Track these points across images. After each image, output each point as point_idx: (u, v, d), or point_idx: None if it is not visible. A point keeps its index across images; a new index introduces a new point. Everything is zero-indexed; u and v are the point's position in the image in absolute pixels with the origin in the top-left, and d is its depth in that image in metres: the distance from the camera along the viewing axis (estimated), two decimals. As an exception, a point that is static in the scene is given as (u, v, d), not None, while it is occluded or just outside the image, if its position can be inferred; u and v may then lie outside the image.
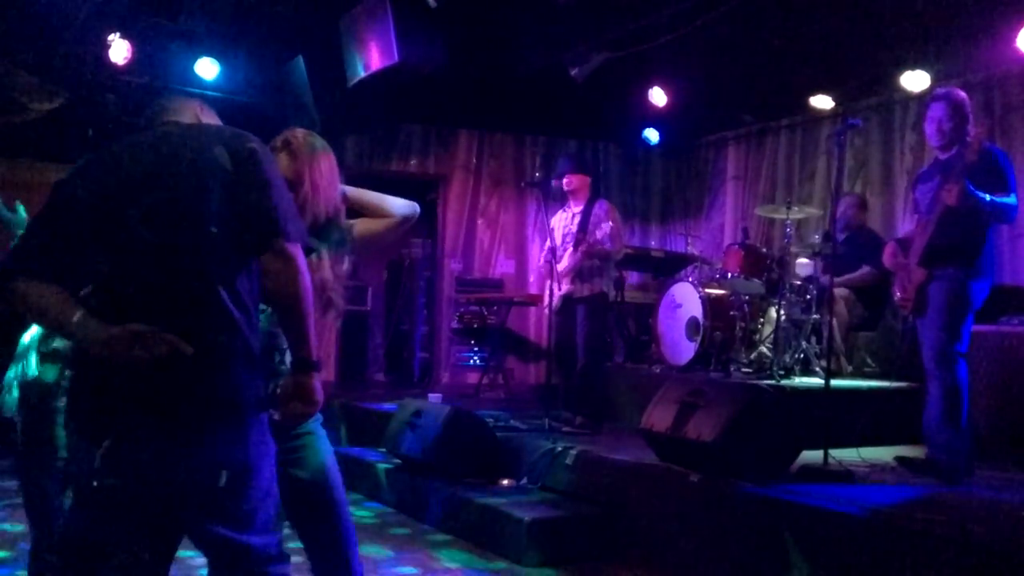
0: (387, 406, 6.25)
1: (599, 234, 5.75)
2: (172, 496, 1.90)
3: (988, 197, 4.00)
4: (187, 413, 1.88)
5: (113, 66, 6.18)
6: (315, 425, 2.46)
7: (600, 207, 5.91)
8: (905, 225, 6.56)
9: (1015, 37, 5.41)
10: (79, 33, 6.03)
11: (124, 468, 1.87)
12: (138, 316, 1.87)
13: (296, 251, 1.96)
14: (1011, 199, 4.07)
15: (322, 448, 2.46)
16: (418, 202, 2.73)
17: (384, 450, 5.73)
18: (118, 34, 6.12)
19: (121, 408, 1.88)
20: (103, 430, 1.89)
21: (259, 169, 1.97)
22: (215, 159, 1.94)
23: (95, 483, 1.88)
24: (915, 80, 6.22)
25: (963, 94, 4.27)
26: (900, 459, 4.40)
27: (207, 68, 6.64)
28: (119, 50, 6.13)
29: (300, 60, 6.62)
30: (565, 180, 5.96)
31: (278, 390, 2.09)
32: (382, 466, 5.56)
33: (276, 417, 2.07)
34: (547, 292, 5.83)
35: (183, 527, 2.00)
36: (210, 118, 2.19)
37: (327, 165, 2.44)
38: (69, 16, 5.92)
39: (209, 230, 1.90)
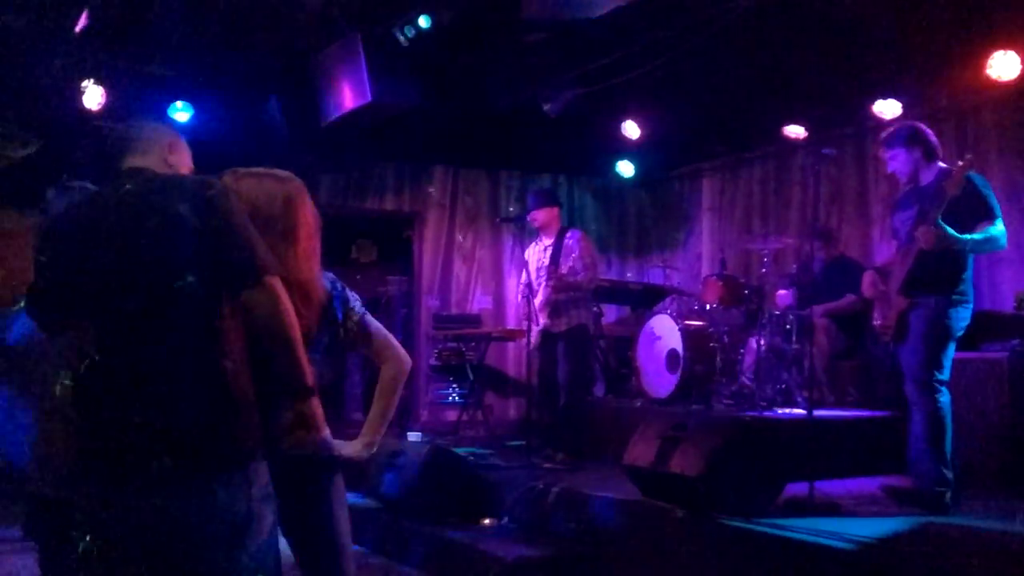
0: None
1: (566, 267, 5.72)
2: (174, 550, 1.87)
3: (968, 236, 3.95)
4: (188, 465, 1.87)
5: (87, 112, 6.19)
6: (332, 478, 2.35)
7: (571, 237, 5.88)
8: (881, 252, 6.58)
9: (985, 64, 5.42)
10: (53, 80, 6.03)
11: (121, 524, 1.85)
12: (132, 385, 1.88)
13: (275, 281, 1.98)
14: (995, 227, 4.01)
15: (329, 510, 2.34)
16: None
17: (363, 491, 5.62)
18: (92, 80, 6.14)
19: (117, 462, 1.87)
20: (98, 485, 1.88)
21: (223, 214, 1.98)
22: (181, 217, 1.94)
23: (87, 541, 1.86)
24: (887, 108, 6.23)
25: (909, 125, 4.27)
26: (886, 489, 4.35)
27: (180, 113, 6.66)
28: (93, 96, 6.17)
29: (274, 101, 6.62)
30: (530, 216, 5.98)
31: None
32: (361, 508, 5.44)
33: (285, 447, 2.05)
34: (528, 328, 5.77)
35: None
36: (179, 154, 2.21)
37: (245, 188, 2.29)
38: (43, 63, 5.91)
39: (186, 286, 1.92)
